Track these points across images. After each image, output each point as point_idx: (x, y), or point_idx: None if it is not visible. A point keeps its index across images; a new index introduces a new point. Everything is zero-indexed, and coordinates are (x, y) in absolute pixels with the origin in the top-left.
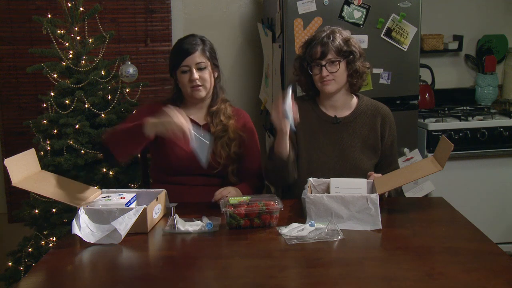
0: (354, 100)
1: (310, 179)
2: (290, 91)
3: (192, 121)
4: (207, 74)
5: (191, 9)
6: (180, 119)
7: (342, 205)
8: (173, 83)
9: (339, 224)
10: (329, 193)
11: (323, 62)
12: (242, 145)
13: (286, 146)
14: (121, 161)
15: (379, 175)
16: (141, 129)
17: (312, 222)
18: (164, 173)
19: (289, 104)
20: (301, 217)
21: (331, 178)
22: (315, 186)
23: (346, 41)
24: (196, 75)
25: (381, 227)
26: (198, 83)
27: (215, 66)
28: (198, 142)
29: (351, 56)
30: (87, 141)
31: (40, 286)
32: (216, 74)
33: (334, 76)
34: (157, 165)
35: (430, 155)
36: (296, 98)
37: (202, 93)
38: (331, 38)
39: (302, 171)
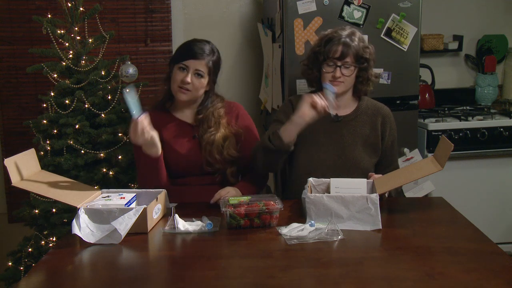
0: (355, 99)
1: (310, 179)
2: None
3: (182, 122)
4: (199, 84)
5: (191, 9)
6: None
7: (342, 205)
8: (166, 76)
9: (339, 224)
10: (329, 193)
11: (339, 63)
12: (239, 140)
13: (293, 134)
14: (167, 182)
15: (380, 175)
16: (149, 157)
17: (312, 222)
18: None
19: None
20: (301, 217)
21: (331, 178)
22: (315, 186)
23: (365, 48)
24: (189, 78)
25: (381, 227)
26: (187, 87)
27: (212, 81)
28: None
29: (365, 64)
30: (87, 141)
31: (40, 286)
32: (208, 87)
33: (345, 79)
34: None
35: (430, 155)
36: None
37: (185, 97)
38: (353, 41)
39: (302, 170)
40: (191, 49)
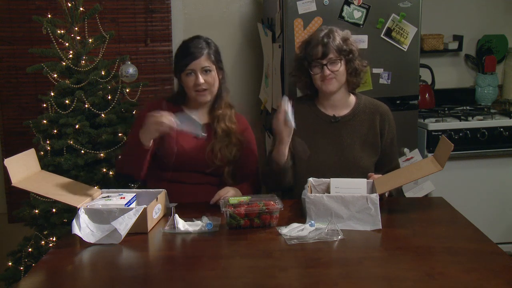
0: (352, 98)
1: (310, 179)
2: (286, 99)
3: (194, 121)
4: (212, 78)
5: (191, 9)
6: (161, 117)
7: (342, 205)
8: (177, 83)
9: (339, 224)
10: (329, 193)
11: (324, 62)
12: (240, 150)
13: (284, 153)
14: (143, 178)
15: (379, 175)
16: (139, 143)
17: (312, 222)
18: (159, 169)
19: (290, 110)
20: (301, 217)
21: (331, 178)
22: (315, 186)
23: (345, 40)
24: (201, 79)
25: (381, 227)
26: (204, 87)
27: (220, 68)
28: (185, 122)
29: (351, 55)
30: (87, 141)
31: (40, 286)
32: (221, 76)
33: (335, 74)
34: (153, 160)
35: (430, 155)
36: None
37: (207, 97)
38: (331, 38)
39: (301, 171)
40: (188, 52)
